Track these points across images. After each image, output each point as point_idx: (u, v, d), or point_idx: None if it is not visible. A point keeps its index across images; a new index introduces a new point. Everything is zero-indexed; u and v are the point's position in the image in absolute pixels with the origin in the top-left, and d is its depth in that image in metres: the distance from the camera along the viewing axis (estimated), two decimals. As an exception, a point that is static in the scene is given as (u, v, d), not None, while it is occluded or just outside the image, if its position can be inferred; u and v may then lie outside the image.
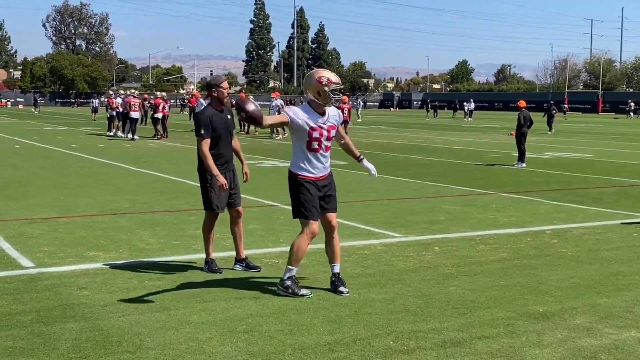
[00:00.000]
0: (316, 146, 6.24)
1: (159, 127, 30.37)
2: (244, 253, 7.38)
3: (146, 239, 8.77)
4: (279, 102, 32.69)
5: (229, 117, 7.19)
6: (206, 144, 6.93)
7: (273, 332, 5.32)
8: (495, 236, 9.21)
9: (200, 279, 6.87)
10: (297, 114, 6.18)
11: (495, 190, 13.86)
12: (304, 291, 6.33)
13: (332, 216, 6.43)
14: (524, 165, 19.26)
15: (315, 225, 6.27)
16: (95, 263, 7.48)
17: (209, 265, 7.20)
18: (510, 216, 10.83)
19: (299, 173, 6.27)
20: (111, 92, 37.49)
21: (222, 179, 6.84)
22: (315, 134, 6.20)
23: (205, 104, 7.81)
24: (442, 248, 8.44)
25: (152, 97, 35.28)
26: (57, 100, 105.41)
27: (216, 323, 5.52)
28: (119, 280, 6.77)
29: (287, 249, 7.97)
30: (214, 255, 7.30)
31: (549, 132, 38.26)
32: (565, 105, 72.48)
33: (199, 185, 7.31)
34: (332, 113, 6.38)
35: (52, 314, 5.72)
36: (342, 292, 6.37)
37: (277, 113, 31.67)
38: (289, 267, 6.35)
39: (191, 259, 7.71)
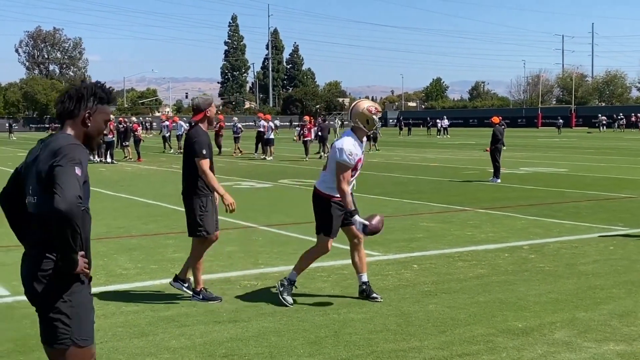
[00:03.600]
0: (354, 174, 6.73)
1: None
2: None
3: (123, 264, 8.70)
4: (271, 124, 32.54)
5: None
6: (207, 164, 6.77)
7: (253, 356, 5.29)
8: (474, 252, 9.24)
9: (179, 304, 6.81)
10: (352, 154, 6.56)
11: (472, 207, 13.93)
12: (288, 299, 6.69)
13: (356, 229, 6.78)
14: (499, 180, 19.38)
15: (330, 244, 6.78)
16: (71, 290, 7.37)
17: (203, 294, 6.94)
18: (487, 232, 10.88)
19: (331, 194, 6.67)
20: None
21: (230, 198, 6.71)
22: (359, 165, 6.72)
23: (184, 126, 7.79)
24: (421, 266, 8.45)
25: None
26: (31, 125, 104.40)
27: (195, 348, 5.47)
28: (95, 307, 6.67)
29: (266, 270, 7.96)
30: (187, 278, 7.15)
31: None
32: (560, 121, 72.93)
33: (185, 210, 7.03)
34: (365, 140, 6.91)
35: (29, 342, 5.64)
36: (375, 299, 6.80)
37: (271, 133, 31.55)
38: (293, 271, 6.82)
39: (169, 283, 7.64)
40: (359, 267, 6.95)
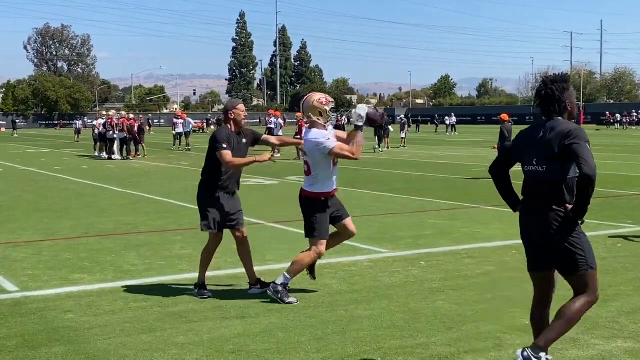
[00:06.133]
0: (336, 160, 6.70)
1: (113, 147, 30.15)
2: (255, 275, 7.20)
3: (131, 260, 8.73)
4: (280, 121, 32.56)
5: (244, 141, 7.12)
6: (228, 154, 6.80)
7: (260, 351, 5.30)
8: (481, 249, 9.24)
9: (186, 299, 6.83)
10: (329, 138, 6.55)
11: (480, 204, 13.91)
12: (291, 299, 6.64)
13: (348, 221, 6.89)
14: None
15: (324, 246, 6.68)
16: (80, 285, 7.42)
17: (199, 289, 7.01)
18: (495, 229, 10.87)
19: (321, 191, 6.61)
20: (106, 113, 36.87)
21: (263, 157, 6.94)
22: None
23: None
24: (428, 262, 8.45)
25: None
26: (40, 122, 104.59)
27: (203, 343, 5.49)
28: (104, 303, 6.73)
29: (273, 267, 7.98)
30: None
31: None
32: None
33: (197, 206, 7.12)
34: (331, 129, 6.78)
35: (37, 338, 5.67)
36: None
37: (280, 130, 31.48)
38: (285, 274, 6.67)
39: (177, 279, 7.68)
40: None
